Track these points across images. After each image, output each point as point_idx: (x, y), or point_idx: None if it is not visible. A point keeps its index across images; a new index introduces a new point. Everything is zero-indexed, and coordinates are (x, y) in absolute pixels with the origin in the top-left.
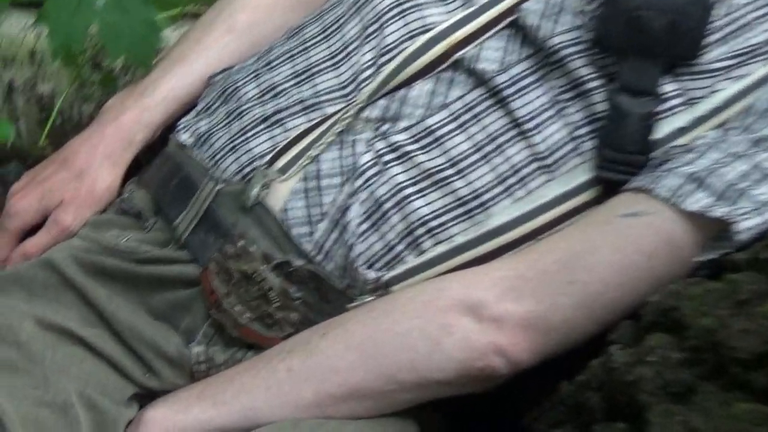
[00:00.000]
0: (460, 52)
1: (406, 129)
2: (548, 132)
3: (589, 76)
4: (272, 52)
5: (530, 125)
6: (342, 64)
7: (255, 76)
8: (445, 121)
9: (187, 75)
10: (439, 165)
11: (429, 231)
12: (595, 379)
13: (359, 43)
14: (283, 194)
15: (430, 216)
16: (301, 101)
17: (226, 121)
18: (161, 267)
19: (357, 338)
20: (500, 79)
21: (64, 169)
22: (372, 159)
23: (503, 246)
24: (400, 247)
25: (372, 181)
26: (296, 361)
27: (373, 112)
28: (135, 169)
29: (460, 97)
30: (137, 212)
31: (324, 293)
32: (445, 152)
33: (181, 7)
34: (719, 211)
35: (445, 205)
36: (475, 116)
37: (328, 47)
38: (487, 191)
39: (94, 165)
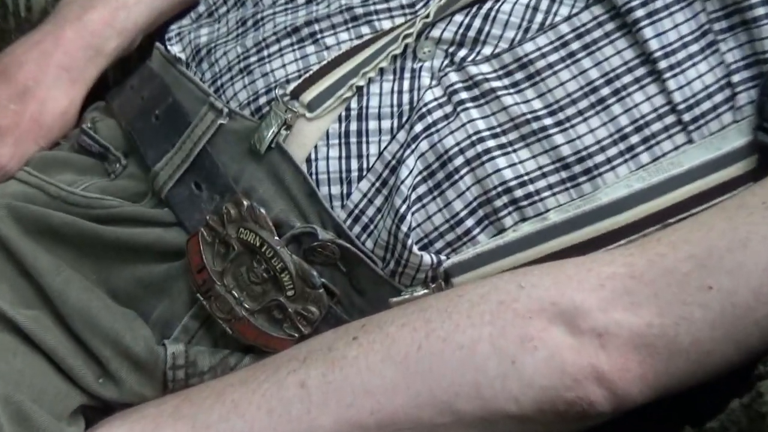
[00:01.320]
0: None
1: (490, 58)
2: (690, 75)
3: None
4: None
5: (665, 64)
6: None
7: None
8: (547, 49)
9: None
10: (534, 111)
11: (513, 202)
12: (734, 428)
13: None
14: (311, 138)
15: (517, 181)
16: (347, 9)
17: (239, 30)
18: (131, 229)
19: (401, 348)
20: None
21: (2, 85)
22: (440, 97)
23: (615, 231)
24: (470, 222)
25: (438, 126)
26: (313, 375)
27: (446, 31)
28: (102, 89)
29: (570, 18)
30: (102, 150)
31: (358, 281)
32: (543, 94)
33: None
34: None
35: (539, 168)
36: (587, 46)
37: None
38: (597, 152)
39: (44, 81)
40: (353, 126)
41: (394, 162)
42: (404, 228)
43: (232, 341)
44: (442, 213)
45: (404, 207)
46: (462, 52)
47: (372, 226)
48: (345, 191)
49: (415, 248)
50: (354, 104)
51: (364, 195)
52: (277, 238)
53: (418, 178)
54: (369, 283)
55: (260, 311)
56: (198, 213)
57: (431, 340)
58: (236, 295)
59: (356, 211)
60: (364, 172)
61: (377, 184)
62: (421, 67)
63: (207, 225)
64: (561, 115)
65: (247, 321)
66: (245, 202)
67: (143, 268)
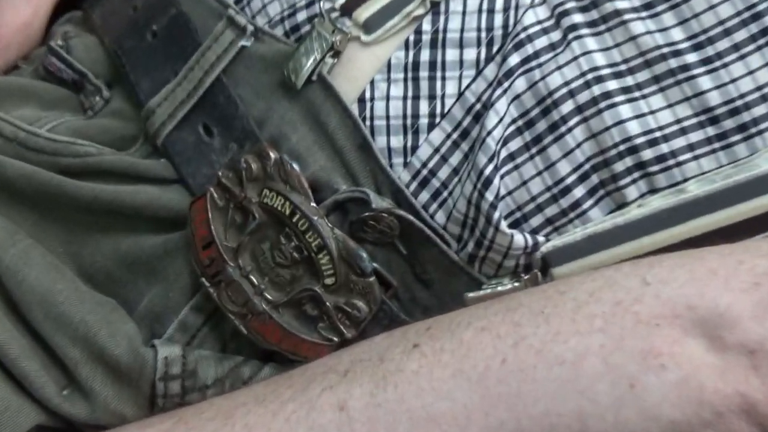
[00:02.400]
0: None
1: None
2: None
3: None
4: None
5: None
6: None
7: None
8: None
9: None
10: (674, 44)
11: (640, 167)
12: None
13: None
14: (365, 70)
15: (645, 138)
16: None
17: None
18: (114, 186)
19: (479, 360)
20: None
21: None
22: (545, 19)
23: None
24: (579, 192)
25: (541, 59)
26: (357, 394)
27: None
28: None
29: None
30: (76, 78)
31: (423, 268)
32: (686, 20)
33: None
34: None
35: (677, 121)
36: None
37: None
38: (758, 102)
39: None
40: (424, 55)
41: (478, 106)
42: (490, 196)
43: (246, 345)
44: (543, 178)
45: (491, 168)
46: None
47: (445, 193)
48: (410, 144)
49: (503, 224)
50: (426, 26)
51: (436, 150)
52: (314, 204)
53: (511, 128)
54: (438, 271)
55: (287, 305)
56: (206, 167)
57: (521, 351)
58: (255, 281)
59: (424, 172)
60: (437, 119)
61: (454, 136)
62: None
63: (218, 184)
64: (710, 50)
65: (268, 317)
66: (272, 155)
67: (129, 241)
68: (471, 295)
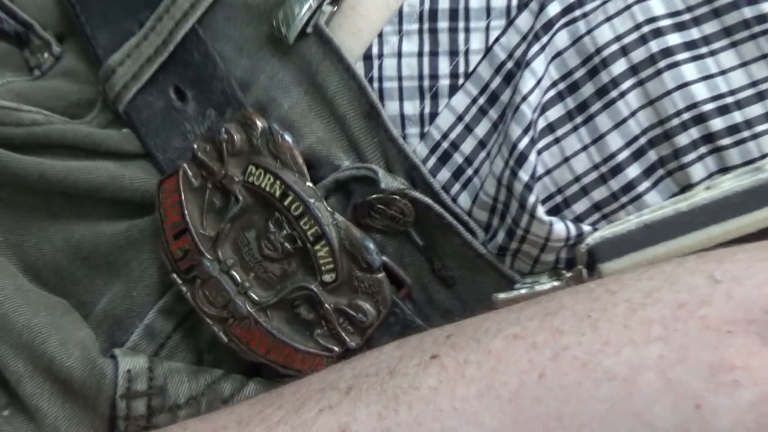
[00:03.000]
0: None
1: None
2: None
3: None
4: None
5: None
6: None
7: None
8: None
9: None
10: None
11: (708, 139)
12: None
13: None
14: (372, 20)
15: (715, 105)
16: None
17: None
18: (66, 162)
19: (511, 376)
20: None
21: None
22: None
23: None
24: (633, 171)
25: (586, 8)
26: (362, 416)
27: None
28: None
29: None
30: (20, 30)
31: (443, 262)
32: None
33: None
34: None
35: (752, 84)
36: None
37: None
38: None
39: None
40: (443, 2)
41: (510, 64)
42: (524, 176)
43: (227, 355)
44: (589, 154)
45: (526, 141)
46: None
47: (469, 171)
48: (427, 111)
49: (540, 210)
50: None
51: (459, 118)
52: (310, 184)
53: (551, 93)
54: (461, 266)
55: (277, 306)
56: (179, 138)
57: (562, 364)
58: (238, 277)
59: (444, 145)
60: (460, 80)
61: (481, 101)
62: None
63: (193, 159)
64: None
65: (254, 322)
66: (259, 123)
67: (83, 229)
68: (501, 296)
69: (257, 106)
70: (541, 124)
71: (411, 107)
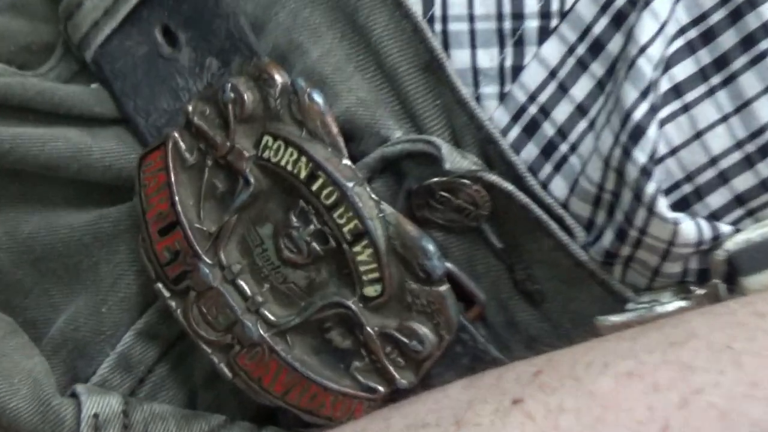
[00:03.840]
0: None
1: None
2: None
3: None
4: None
5: None
6: None
7: None
8: None
9: None
10: None
11: None
12: None
13: None
14: None
15: None
16: None
17: None
18: (11, 129)
19: (621, 427)
20: None
21: None
22: None
23: None
24: None
25: None
26: None
27: None
28: None
29: None
30: None
31: (528, 271)
32: None
33: None
34: None
35: None
36: None
37: None
38: None
39: None
40: None
41: (621, 1)
42: (641, 156)
43: (231, 396)
44: (729, 127)
45: (643, 108)
46: None
47: (565, 147)
48: (508, 63)
49: (662, 204)
50: None
51: (552, 74)
52: (347, 162)
53: (678, 43)
54: (553, 277)
55: (301, 330)
56: (167, 97)
57: (694, 413)
58: (248, 289)
59: (532, 111)
60: (553, 21)
61: (581, 51)
62: None
63: (188, 125)
64: None
65: (269, 351)
66: (278, 78)
67: (36, 220)
68: (609, 319)
69: (275, 54)
70: (665, 85)
71: (486, 58)
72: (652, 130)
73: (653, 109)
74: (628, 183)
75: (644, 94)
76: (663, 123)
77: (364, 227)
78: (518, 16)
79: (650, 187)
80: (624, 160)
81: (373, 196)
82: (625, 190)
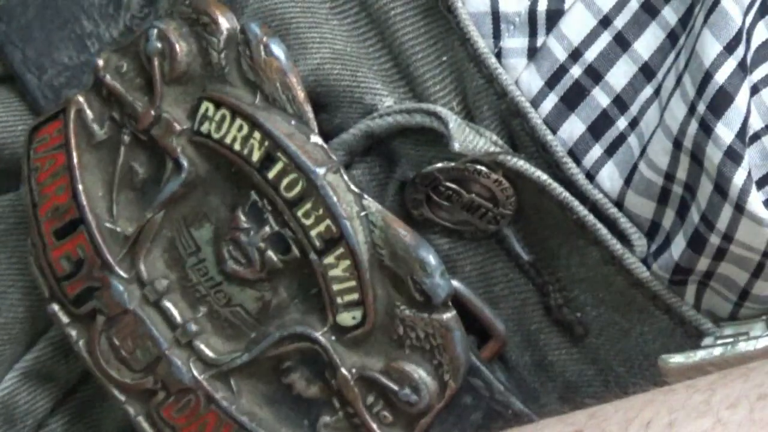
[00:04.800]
0: None
1: None
2: None
3: None
4: None
5: None
6: None
7: None
8: None
9: None
10: None
11: None
12: None
13: None
14: None
15: None
16: None
17: None
18: None
19: None
20: None
21: None
22: None
23: None
24: None
25: None
26: None
27: None
28: None
29: None
30: None
31: (565, 292)
32: None
33: None
34: None
35: None
36: None
37: None
38: None
39: None
40: None
41: None
42: (726, 133)
43: None
44: None
45: (729, 66)
46: None
47: (622, 123)
48: (542, 6)
49: (756, 199)
50: None
51: (603, 21)
52: (317, 139)
53: None
54: (601, 301)
55: (251, 372)
56: (69, 45)
57: None
58: (177, 314)
59: (575, 72)
60: None
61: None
62: None
63: (97, 85)
64: None
65: (205, 400)
66: (223, 22)
67: None
68: (678, 360)
69: None
70: (762, 35)
71: (512, 2)
72: (742, 98)
73: (743, 68)
74: (708, 170)
75: (730, 48)
76: (757, 88)
77: (339, 230)
78: None
79: (739, 176)
80: (702, 139)
81: (353, 187)
82: (704, 181)
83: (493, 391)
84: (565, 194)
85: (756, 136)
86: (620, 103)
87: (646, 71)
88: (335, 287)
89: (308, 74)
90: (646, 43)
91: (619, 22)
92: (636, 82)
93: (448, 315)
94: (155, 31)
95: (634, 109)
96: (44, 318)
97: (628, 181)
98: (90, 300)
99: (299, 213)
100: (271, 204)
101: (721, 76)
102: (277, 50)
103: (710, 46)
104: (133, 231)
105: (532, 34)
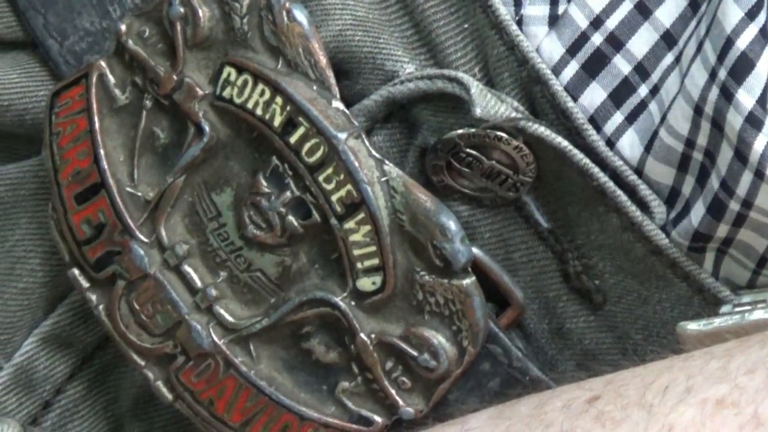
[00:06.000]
0: None
1: None
2: None
3: None
4: None
5: None
6: None
7: None
8: None
9: None
10: None
11: None
12: None
13: None
14: None
15: None
16: None
17: None
18: None
19: None
20: None
21: None
22: None
23: None
24: None
25: None
26: None
27: None
28: None
29: None
30: None
31: (584, 259)
32: None
33: None
34: None
35: None
36: None
37: None
38: None
39: None
40: None
41: None
42: (747, 98)
43: (169, 426)
44: None
45: (751, 33)
46: None
47: (643, 89)
48: None
49: None
50: None
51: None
52: (339, 105)
53: None
54: (620, 269)
55: (270, 337)
56: (91, 11)
57: None
58: (197, 279)
59: (596, 40)
60: None
61: None
62: None
63: (119, 51)
64: None
65: (225, 365)
66: None
67: None
68: (696, 327)
69: None
70: None
71: None
72: (763, 64)
73: (764, 35)
74: (729, 136)
75: (752, 14)
76: None
77: (360, 195)
78: None
79: (759, 142)
80: (722, 105)
81: (374, 152)
82: (724, 147)
83: (511, 358)
84: (586, 161)
85: None
86: (642, 70)
87: (668, 39)
88: (355, 252)
89: (330, 40)
90: (668, 11)
91: None
92: (657, 49)
93: (468, 281)
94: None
95: (655, 77)
96: (64, 283)
97: (648, 148)
98: (110, 264)
99: (320, 178)
100: (292, 169)
101: (742, 42)
102: (300, 16)
103: (732, 12)
104: (154, 195)
105: (554, 1)
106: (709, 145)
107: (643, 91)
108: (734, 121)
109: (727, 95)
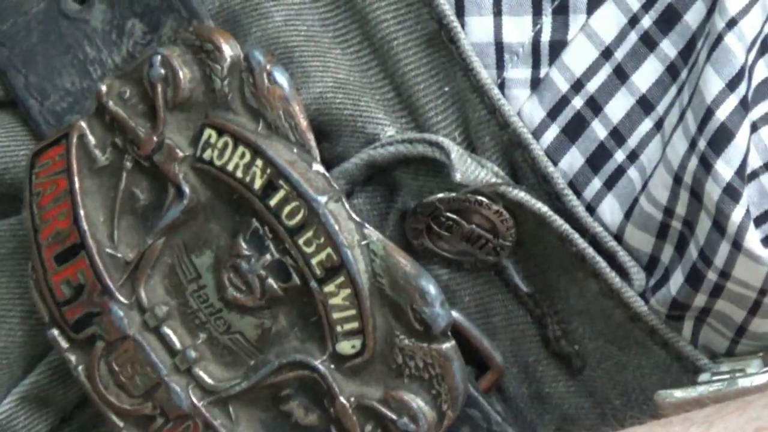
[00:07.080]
0: None
1: None
2: None
3: None
4: None
5: None
6: None
7: None
8: None
9: None
10: None
11: None
12: None
13: None
14: None
15: None
16: None
17: None
18: None
19: None
20: None
21: None
22: None
23: None
24: None
25: None
26: None
27: None
28: None
29: None
30: None
31: (564, 324)
32: None
33: None
34: None
35: None
36: None
37: None
38: None
39: None
40: None
41: None
42: (726, 169)
43: None
44: None
45: (731, 103)
46: None
47: (620, 156)
48: (546, 37)
49: (754, 237)
50: None
51: (605, 53)
52: (319, 168)
53: None
54: (599, 334)
55: (249, 399)
56: (72, 72)
57: None
58: (176, 341)
59: (577, 104)
60: None
61: (646, 24)
62: None
63: (99, 112)
64: None
65: (205, 426)
66: (226, 49)
67: None
68: (675, 395)
69: (224, 16)
70: (763, 72)
71: (515, 29)
72: (742, 135)
73: (744, 106)
74: (707, 207)
75: (732, 85)
76: (757, 126)
77: (340, 259)
78: None
79: (737, 214)
80: (702, 175)
81: (354, 216)
82: (703, 217)
83: (490, 422)
84: (565, 226)
85: (754, 174)
86: (617, 135)
87: (644, 104)
88: (335, 315)
89: (311, 102)
90: (644, 76)
91: (620, 54)
92: (634, 114)
93: (448, 345)
94: (158, 57)
95: (632, 142)
96: (43, 343)
97: (628, 215)
98: (90, 325)
99: (300, 241)
100: (273, 231)
101: (722, 113)
102: (281, 78)
103: (712, 82)
104: (133, 257)
105: (536, 65)
106: (688, 215)
107: (619, 156)
108: (712, 191)
109: (705, 165)
